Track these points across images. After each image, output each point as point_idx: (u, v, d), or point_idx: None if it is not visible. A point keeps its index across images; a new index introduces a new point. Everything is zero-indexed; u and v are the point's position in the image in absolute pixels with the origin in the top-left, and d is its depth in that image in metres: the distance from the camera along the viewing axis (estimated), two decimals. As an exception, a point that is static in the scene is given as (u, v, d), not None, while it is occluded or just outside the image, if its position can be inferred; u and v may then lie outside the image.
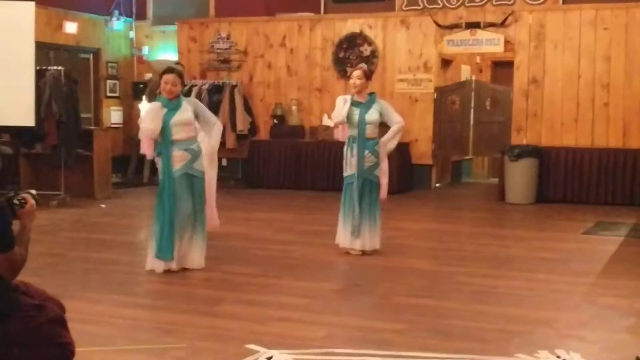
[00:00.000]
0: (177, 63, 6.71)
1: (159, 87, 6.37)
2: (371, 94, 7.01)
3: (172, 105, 6.15)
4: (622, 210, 10.14)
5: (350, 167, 6.95)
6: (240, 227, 8.68)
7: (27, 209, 3.47)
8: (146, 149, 6.25)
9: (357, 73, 6.91)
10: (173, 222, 6.10)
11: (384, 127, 7.09)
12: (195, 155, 6.21)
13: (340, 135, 7.10)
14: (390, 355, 4.10)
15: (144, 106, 12.78)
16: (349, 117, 6.87)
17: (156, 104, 6.24)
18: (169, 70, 6.29)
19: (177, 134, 6.13)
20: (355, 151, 6.88)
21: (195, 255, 6.25)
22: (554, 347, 4.24)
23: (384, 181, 7.01)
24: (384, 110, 6.99)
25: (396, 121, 7.01)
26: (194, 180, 6.20)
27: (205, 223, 6.34)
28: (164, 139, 6.14)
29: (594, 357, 4.17)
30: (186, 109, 6.19)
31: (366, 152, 6.87)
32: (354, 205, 6.87)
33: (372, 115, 6.87)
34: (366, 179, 6.91)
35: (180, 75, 6.27)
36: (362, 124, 6.84)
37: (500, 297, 5.54)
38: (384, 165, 7.00)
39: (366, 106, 6.88)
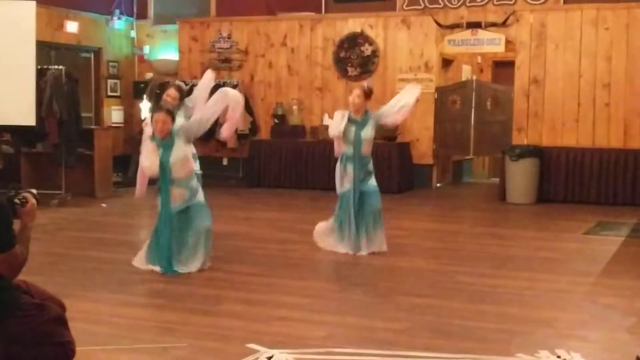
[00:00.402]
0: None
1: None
2: (366, 111, 7.02)
3: (166, 144, 6.14)
4: (623, 210, 10.14)
5: (344, 184, 6.99)
6: (241, 226, 8.69)
7: (28, 208, 3.47)
8: (138, 188, 6.38)
9: (356, 92, 6.96)
10: (172, 255, 6.15)
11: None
12: (194, 191, 6.24)
13: (337, 150, 7.12)
14: (391, 354, 4.10)
15: (145, 106, 12.80)
16: (344, 133, 6.92)
17: (151, 145, 6.21)
18: (159, 108, 6.28)
19: (177, 172, 6.16)
20: (349, 170, 6.94)
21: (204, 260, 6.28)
22: (554, 347, 4.24)
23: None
24: (381, 118, 7.03)
25: (399, 99, 7.02)
26: (194, 209, 6.22)
27: (210, 234, 6.32)
28: (163, 178, 6.17)
29: (594, 357, 4.17)
30: (179, 145, 6.16)
31: (360, 169, 6.93)
32: (350, 222, 6.93)
33: (367, 132, 6.95)
34: (361, 191, 6.95)
35: (169, 112, 6.21)
36: (357, 141, 6.91)
37: (501, 296, 5.53)
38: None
39: (362, 124, 6.94)
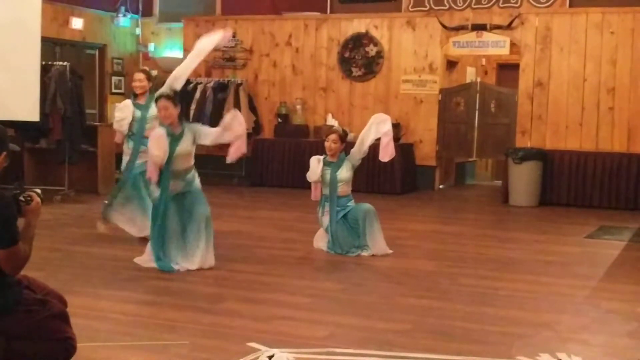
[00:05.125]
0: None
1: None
2: (341, 153, 7.15)
3: (176, 136, 6.16)
4: (625, 215, 10.13)
5: (323, 221, 7.12)
6: (244, 225, 8.69)
7: (32, 206, 3.47)
8: (153, 174, 6.26)
9: (333, 137, 7.10)
10: (168, 239, 6.18)
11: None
12: (189, 183, 6.28)
13: (313, 194, 7.26)
14: (392, 355, 4.10)
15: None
16: (322, 176, 7.08)
17: (161, 131, 6.19)
18: (158, 96, 6.27)
19: (177, 165, 6.18)
20: (326, 208, 7.08)
21: (206, 257, 6.28)
22: (555, 350, 4.24)
23: (386, 140, 7.10)
24: (353, 159, 7.11)
25: (367, 134, 7.08)
26: (188, 195, 6.26)
27: (210, 223, 6.33)
28: (164, 167, 6.16)
29: (595, 361, 4.17)
30: (188, 139, 6.21)
31: (338, 208, 7.05)
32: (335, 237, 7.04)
33: (343, 173, 7.06)
34: (343, 216, 7.03)
35: (169, 97, 6.19)
36: (333, 183, 7.04)
37: (503, 299, 5.53)
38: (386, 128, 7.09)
39: (337, 165, 7.08)
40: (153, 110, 7.44)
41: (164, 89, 6.38)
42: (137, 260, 6.37)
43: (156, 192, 6.25)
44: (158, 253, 6.19)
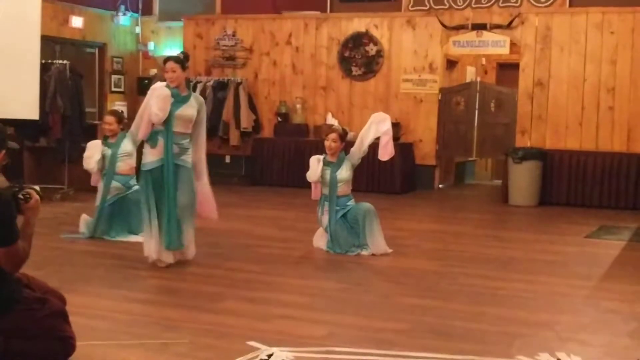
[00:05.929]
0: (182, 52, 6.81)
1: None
2: (341, 152, 7.15)
3: (181, 98, 6.15)
4: (625, 215, 10.13)
5: (323, 221, 7.12)
6: (243, 224, 8.69)
7: (31, 204, 3.47)
8: (144, 131, 6.22)
9: (333, 136, 7.11)
10: (175, 210, 6.13)
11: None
12: (184, 149, 6.24)
13: (313, 193, 7.26)
14: (391, 355, 4.09)
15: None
16: (322, 176, 7.08)
17: (166, 91, 6.13)
18: (167, 58, 6.30)
19: (177, 126, 6.15)
20: (326, 207, 7.08)
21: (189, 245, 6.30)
22: (555, 350, 4.24)
23: (386, 139, 7.10)
24: (353, 158, 7.11)
25: (366, 133, 7.08)
26: (179, 169, 6.21)
27: (193, 214, 6.35)
28: (165, 128, 6.13)
29: (595, 360, 4.17)
30: (192, 105, 6.21)
31: (337, 208, 7.04)
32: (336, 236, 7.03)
33: (343, 173, 7.07)
34: (344, 214, 7.03)
35: (178, 60, 6.19)
36: (333, 183, 7.05)
37: (502, 299, 5.53)
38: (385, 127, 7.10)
39: (337, 165, 7.08)
40: (124, 147, 7.55)
41: None
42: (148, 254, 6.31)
43: (150, 156, 6.16)
44: (169, 236, 6.14)
